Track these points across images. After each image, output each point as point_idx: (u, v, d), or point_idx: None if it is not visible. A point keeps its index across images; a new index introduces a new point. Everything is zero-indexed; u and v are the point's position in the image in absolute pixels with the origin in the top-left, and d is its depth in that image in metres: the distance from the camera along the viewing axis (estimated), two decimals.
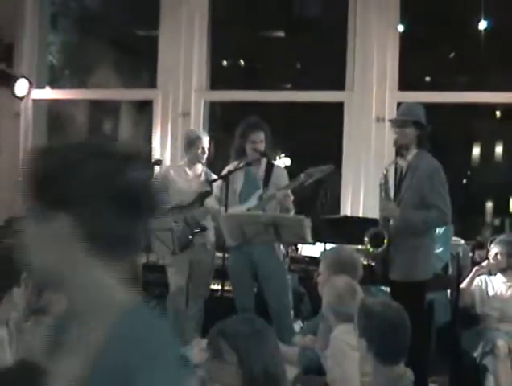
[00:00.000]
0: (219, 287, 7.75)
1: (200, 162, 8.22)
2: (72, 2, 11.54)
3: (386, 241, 6.56)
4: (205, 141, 8.18)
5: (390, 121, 7.12)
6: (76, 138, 2.12)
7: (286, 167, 7.79)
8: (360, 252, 6.55)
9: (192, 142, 8.25)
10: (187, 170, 8.24)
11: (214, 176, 7.94)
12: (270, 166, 7.53)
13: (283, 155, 7.97)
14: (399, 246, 6.50)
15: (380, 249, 6.59)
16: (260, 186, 7.46)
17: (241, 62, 11.35)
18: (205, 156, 8.21)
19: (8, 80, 10.14)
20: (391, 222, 6.59)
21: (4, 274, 4.18)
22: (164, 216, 7.93)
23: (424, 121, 6.60)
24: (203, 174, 8.21)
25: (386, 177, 6.75)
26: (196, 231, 8.02)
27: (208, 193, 7.85)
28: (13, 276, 4.20)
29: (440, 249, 7.71)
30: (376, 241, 6.64)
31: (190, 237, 7.97)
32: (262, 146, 7.45)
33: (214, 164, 8.64)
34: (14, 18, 10.32)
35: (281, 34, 10.99)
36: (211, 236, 8.18)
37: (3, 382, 2.73)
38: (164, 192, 8.28)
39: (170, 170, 8.35)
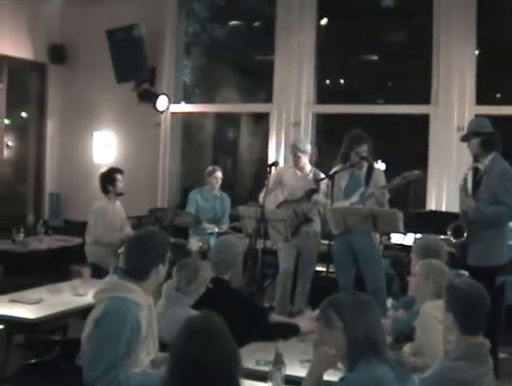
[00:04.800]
0: (324, 269, 7.78)
1: (295, 165, 8.30)
2: (202, 33, 11.68)
3: (465, 233, 6.52)
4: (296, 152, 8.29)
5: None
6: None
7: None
8: (443, 241, 6.50)
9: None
10: (296, 170, 8.31)
11: (322, 175, 7.98)
12: (370, 169, 7.55)
13: (380, 161, 7.94)
14: (476, 236, 6.46)
15: (460, 240, 6.55)
16: (362, 184, 7.48)
17: (341, 81, 11.32)
18: (299, 164, 8.28)
19: (151, 97, 10.33)
20: (470, 215, 6.55)
21: (154, 252, 4.25)
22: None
23: (482, 129, 6.56)
24: (311, 174, 8.26)
25: (465, 180, 6.73)
26: (303, 221, 8.09)
27: (315, 190, 7.90)
28: (160, 255, 4.28)
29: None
30: (457, 233, 6.60)
31: (297, 226, 8.04)
32: (364, 154, 7.47)
33: (318, 165, 8.66)
34: (156, 47, 10.54)
35: (375, 57, 10.94)
36: (315, 225, 8.22)
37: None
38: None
39: (283, 171, 8.43)
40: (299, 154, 8.23)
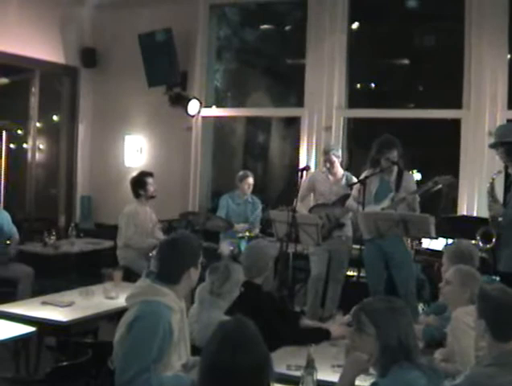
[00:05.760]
0: (355, 273, 7.78)
1: (329, 171, 8.29)
2: (233, 37, 11.71)
3: (494, 238, 6.48)
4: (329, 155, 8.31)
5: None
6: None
7: (417, 181, 7.75)
8: (475, 246, 6.46)
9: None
10: (329, 175, 8.31)
11: (355, 179, 8.00)
12: (400, 173, 7.54)
13: (415, 171, 7.91)
14: (506, 241, 6.41)
15: (489, 245, 6.51)
16: (392, 189, 7.49)
17: (372, 85, 11.29)
18: (333, 169, 8.28)
19: (183, 101, 10.37)
20: (500, 220, 6.52)
21: (186, 256, 4.28)
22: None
23: (505, 138, 6.52)
24: (344, 179, 8.27)
25: (491, 185, 6.69)
26: (335, 226, 8.08)
27: (348, 196, 7.91)
28: (193, 258, 4.31)
29: None
30: (486, 238, 6.57)
31: (329, 231, 8.04)
32: (395, 159, 7.47)
33: (348, 170, 8.65)
34: (188, 51, 10.58)
35: (406, 61, 10.89)
36: (347, 230, 8.23)
37: None
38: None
39: (315, 176, 8.41)
40: (334, 159, 8.26)
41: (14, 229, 8.78)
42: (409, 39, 10.49)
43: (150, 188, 8.84)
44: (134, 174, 9.27)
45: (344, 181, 8.26)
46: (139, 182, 8.87)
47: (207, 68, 10.91)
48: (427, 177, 7.33)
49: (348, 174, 8.41)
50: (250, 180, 9.31)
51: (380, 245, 7.35)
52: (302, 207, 8.09)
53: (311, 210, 8.23)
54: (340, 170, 8.36)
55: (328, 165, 8.31)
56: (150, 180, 8.86)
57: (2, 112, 10.24)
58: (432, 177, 7.19)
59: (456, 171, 8.88)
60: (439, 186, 7.16)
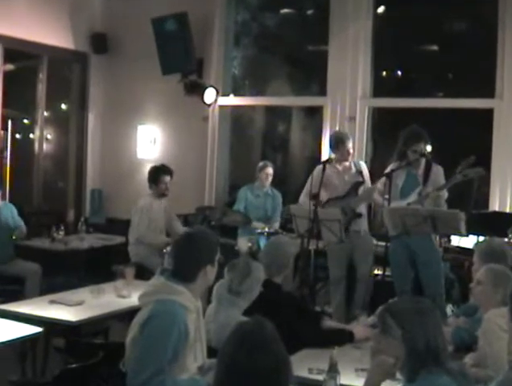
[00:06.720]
0: (381, 272, 7.75)
1: (346, 160, 8.22)
2: (252, 22, 11.68)
3: None
4: (349, 144, 8.24)
5: None
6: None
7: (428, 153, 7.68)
8: (508, 244, 6.45)
9: (338, 143, 8.31)
10: (337, 165, 8.23)
11: (363, 164, 8.04)
12: (428, 166, 7.51)
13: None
14: None
15: None
16: (420, 183, 7.46)
17: (399, 73, 11.24)
18: (350, 156, 8.21)
19: (199, 89, 10.36)
20: None
21: (203, 252, 4.28)
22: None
23: None
24: (352, 166, 8.21)
25: None
26: (352, 217, 8.03)
27: (360, 183, 7.88)
28: (209, 255, 4.30)
29: None
30: None
31: (347, 224, 7.97)
32: (422, 151, 7.43)
33: (372, 162, 8.62)
34: (204, 37, 10.56)
35: (434, 47, 10.83)
36: (364, 224, 8.18)
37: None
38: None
39: (326, 170, 8.27)
40: (351, 150, 8.22)
41: (21, 222, 8.81)
42: (438, 25, 10.40)
43: (162, 186, 8.85)
44: (156, 164, 9.33)
45: (353, 168, 8.21)
46: (153, 178, 8.90)
47: (224, 55, 10.89)
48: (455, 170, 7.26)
49: (356, 160, 8.38)
50: (269, 170, 9.30)
51: (407, 243, 7.32)
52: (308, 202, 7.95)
53: (324, 205, 8.14)
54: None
55: (346, 155, 8.21)
56: (165, 179, 8.86)
57: (8, 101, 10.25)
58: (462, 170, 7.15)
59: (487, 164, 8.79)
60: (468, 178, 7.13)
